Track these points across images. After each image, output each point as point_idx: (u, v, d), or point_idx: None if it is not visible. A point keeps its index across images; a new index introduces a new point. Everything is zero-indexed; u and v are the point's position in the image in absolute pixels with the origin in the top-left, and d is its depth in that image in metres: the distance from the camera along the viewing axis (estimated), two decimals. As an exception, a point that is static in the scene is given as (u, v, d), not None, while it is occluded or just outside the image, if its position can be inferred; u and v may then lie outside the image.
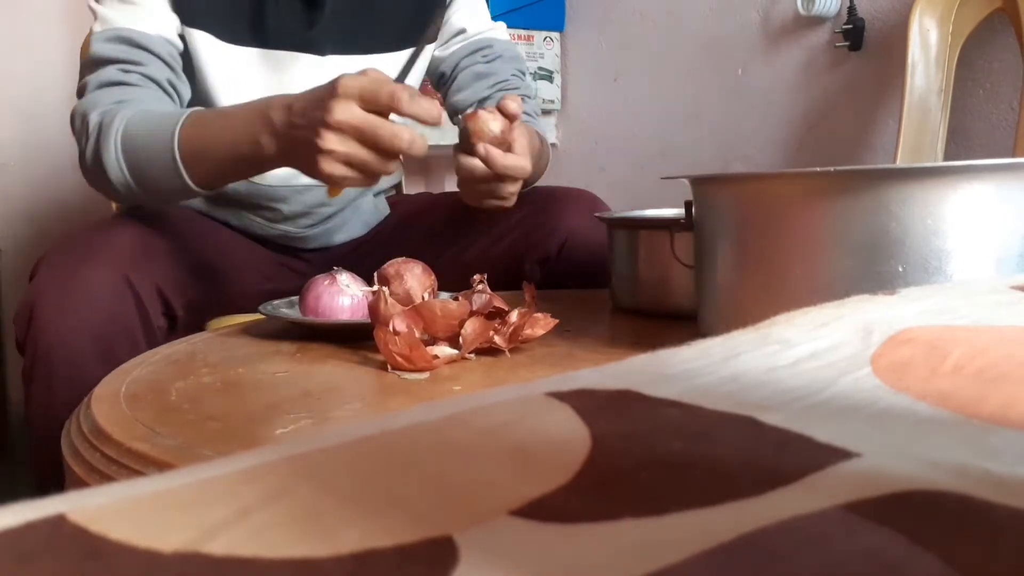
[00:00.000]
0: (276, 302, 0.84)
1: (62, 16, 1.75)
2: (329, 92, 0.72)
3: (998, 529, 0.18)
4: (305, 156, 0.74)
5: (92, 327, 0.79)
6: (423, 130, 0.79)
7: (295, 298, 0.83)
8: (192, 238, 1.01)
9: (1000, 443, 0.24)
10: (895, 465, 0.21)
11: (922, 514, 0.19)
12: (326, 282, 0.77)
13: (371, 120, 0.72)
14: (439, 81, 1.18)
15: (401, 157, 0.75)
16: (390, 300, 0.65)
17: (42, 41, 1.77)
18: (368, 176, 0.75)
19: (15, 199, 1.77)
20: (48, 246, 0.88)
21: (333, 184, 0.76)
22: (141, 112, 0.87)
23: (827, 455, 0.22)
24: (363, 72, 0.73)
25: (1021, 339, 0.33)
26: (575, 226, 1.03)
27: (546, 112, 2.21)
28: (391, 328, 0.63)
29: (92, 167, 0.89)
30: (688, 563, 0.17)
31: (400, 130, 0.72)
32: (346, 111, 0.71)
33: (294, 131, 0.75)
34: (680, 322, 0.79)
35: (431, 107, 0.73)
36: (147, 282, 0.85)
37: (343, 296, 0.77)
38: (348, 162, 0.73)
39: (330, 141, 0.72)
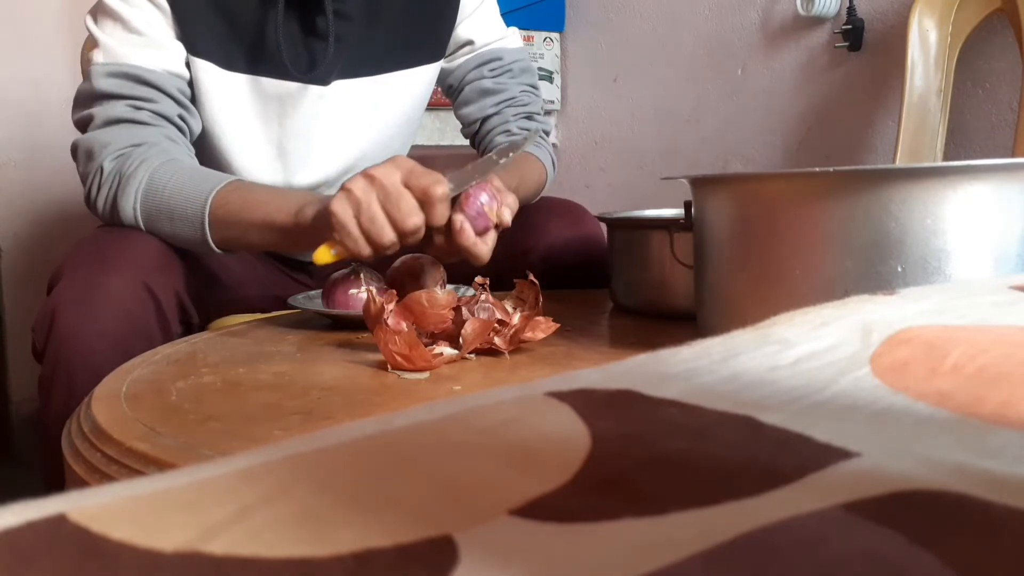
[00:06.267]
0: (300, 296, 0.92)
1: (63, 16, 1.75)
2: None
3: (997, 528, 0.18)
4: (328, 205, 0.75)
5: (114, 335, 0.79)
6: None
7: (312, 292, 0.94)
8: None
9: (999, 443, 0.24)
10: (894, 465, 0.22)
11: (921, 514, 0.19)
12: (351, 278, 0.84)
13: (401, 189, 0.72)
14: (448, 91, 1.18)
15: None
16: (379, 299, 0.65)
17: (42, 41, 1.77)
18: (359, 246, 0.73)
19: (15, 199, 1.77)
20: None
21: (331, 238, 0.75)
22: (163, 171, 0.87)
23: (826, 455, 0.22)
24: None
25: (1021, 339, 0.33)
26: (554, 241, 1.01)
27: (546, 112, 2.21)
28: (386, 324, 0.64)
29: (104, 212, 0.91)
30: (688, 563, 0.17)
31: (418, 215, 0.72)
32: (387, 170, 0.73)
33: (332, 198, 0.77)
34: (680, 322, 0.79)
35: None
36: (166, 290, 0.85)
37: (365, 289, 0.83)
38: (358, 211, 0.73)
39: (356, 183, 0.73)
